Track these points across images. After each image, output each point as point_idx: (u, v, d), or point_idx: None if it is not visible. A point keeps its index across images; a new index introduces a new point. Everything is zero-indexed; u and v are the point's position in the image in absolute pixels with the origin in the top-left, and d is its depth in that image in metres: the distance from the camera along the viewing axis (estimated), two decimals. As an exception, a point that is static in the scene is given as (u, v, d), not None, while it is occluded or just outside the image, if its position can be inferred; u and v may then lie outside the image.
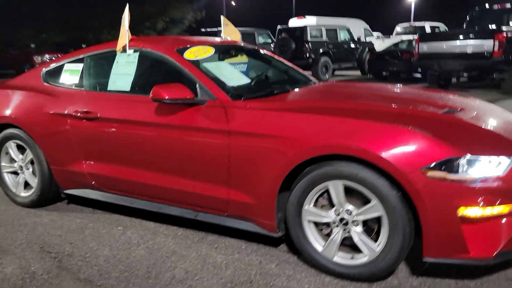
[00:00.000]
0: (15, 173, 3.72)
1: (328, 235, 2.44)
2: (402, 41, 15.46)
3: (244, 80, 3.14)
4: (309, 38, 15.51)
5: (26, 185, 3.66)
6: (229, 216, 2.75)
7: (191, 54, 3.04)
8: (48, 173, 3.45)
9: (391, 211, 2.17)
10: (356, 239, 2.33)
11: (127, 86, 3.09)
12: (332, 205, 2.39)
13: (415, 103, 2.73)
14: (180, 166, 2.82)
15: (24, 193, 3.65)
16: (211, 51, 3.17)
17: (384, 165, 2.12)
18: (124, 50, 3.19)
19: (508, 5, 10.95)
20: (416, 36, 11.59)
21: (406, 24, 21.25)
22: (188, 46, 3.14)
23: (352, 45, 17.23)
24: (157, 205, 3.05)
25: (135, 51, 3.15)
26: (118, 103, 3.07)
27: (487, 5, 11.54)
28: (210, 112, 2.67)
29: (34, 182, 3.56)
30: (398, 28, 21.03)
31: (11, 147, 3.61)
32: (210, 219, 2.83)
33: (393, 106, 2.64)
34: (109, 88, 3.19)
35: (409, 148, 2.12)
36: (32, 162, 3.55)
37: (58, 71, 3.53)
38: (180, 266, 2.63)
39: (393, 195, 2.15)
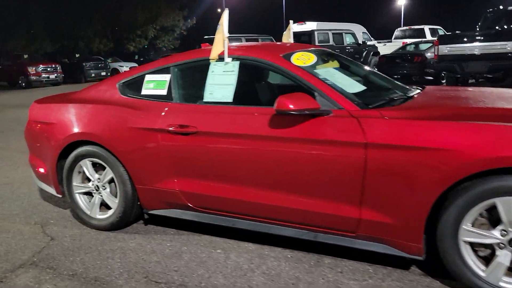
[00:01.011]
0: (88, 193, 3.44)
1: (486, 257, 2.23)
2: (409, 44, 15.47)
3: (359, 87, 2.91)
4: (317, 43, 15.40)
5: (101, 206, 3.39)
6: (358, 237, 2.52)
7: (298, 60, 2.83)
8: (132, 193, 3.18)
9: None
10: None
11: (228, 97, 2.85)
12: (493, 224, 2.18)
13: None
14: (300, 182, 2.58)
15: (100, 215, 3.37)
16: (313, 57, 2.95)
17: None
18: (220, 58, 2.95)
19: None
20: (433, 39, 11.54)
21: (405, 28, 21.34)
22: (291, 51, 2.92)
23: (357, 49, 17.21)
24: (265, 226, 2.80)
25: (234, 59, 2.91)
26: (221, 115, 2.82)
27: (501, 7, 11.54)
28: (340, 123, 2.44)
29: (114, 203, 3.28)
30: (397, 32, 21.10)
31: (86, 165, 3.33)
32: (334, 240, 2.59)
33: None
34: (205, 99, 2.94)
35: None
36: (110, 182, 3.28)
37: (138, 83, 3.27)
38: (315, 294, 2.39)
39: None
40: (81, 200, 3.46)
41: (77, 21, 27.06)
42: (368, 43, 19.80)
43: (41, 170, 3.61)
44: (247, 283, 2.53)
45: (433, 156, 2.19)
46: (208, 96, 2.93)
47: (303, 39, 15.99)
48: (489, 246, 2.21)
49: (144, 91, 3.21)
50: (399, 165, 2.28)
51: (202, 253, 2.93)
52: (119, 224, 3.31)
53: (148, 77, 3.24)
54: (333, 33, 16.14)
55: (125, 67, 24.01)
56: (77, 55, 29.25)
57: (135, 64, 24.74)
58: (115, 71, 23.68)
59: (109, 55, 27.51)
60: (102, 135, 3.17)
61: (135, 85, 3.29)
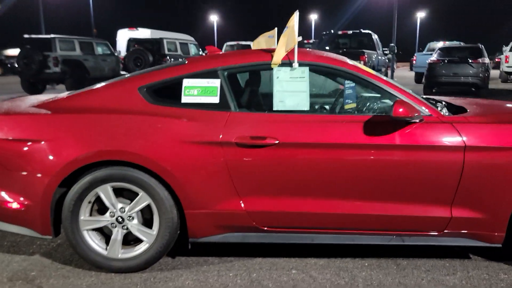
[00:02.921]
0: (98, 229, 2.71)
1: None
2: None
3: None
4: (166, 51, 15.06)
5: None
6: (444, 234, 2.69)
7: (363, 67, 2.84)
8: (177, 220, 2.64)
9: None
10: None
11: (304, 105, 2.67)
12: None
13: None
14: (391, 188, 2.61)
15: (125, 254, 2.68)
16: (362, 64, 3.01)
17: None
18: (283, 64, 2.73)
19: None
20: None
21: (233, 43, 22.53)
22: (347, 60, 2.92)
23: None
24: (347, 237, 2.72)
25: (301, 65, 2.73)
26: (303, 124, 2.61)
27: (332, 31, 13.48)
28: (438, 129, 2.58)
29: (149, 235, 2.66)
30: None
31: (106, 192, 2.61)
32: (422, 241, 2.70)
33: None
34: (276, 108, 2.67)
35: None
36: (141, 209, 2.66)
37: (170, 89, 2.75)
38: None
39: None
40: (91, 239, 2.69)
41: None
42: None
43: (13, 205, 2.66)
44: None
45: None
46: (278, 104, 2.68)
47: (147, 46, 15.46)
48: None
49: (185, 99, 2.71)
50: (492, 165, 2.55)
51: (281, 276, 2.65)
52: (154, 261, 2.71)
53: (187, 82, 2.74)
54: (180, 43, 16.02)
55: None
56: None
57: None
58: None
59: None
60: (142, 152, 2.55)
61: (167, 91, 2.75)
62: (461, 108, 3.02)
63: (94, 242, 2.69)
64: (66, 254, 2.94)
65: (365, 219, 2.66)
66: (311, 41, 21.20)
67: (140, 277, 2.65)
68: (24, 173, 2.61)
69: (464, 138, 2.54)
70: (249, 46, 20.91)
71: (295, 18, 2.70)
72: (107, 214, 2.66)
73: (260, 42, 3.82)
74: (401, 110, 2.43)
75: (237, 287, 2.53)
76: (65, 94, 3.01)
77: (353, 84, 2.77)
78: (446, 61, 13.17)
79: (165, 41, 15.12)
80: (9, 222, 2.73)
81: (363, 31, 13.59)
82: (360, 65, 2.86)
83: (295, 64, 2.72)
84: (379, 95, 2.77)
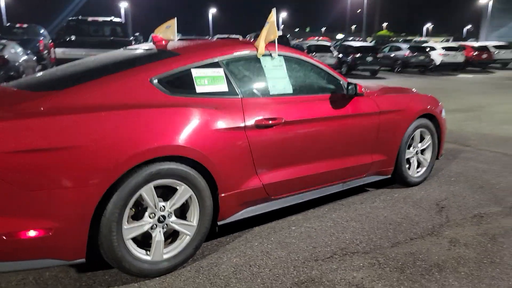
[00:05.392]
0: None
1: None
2: None
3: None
4: None
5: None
6: (367, 175, 3.82)
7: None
8: (211, 207, 2.74)
9: None
10: None
11: (289, 89, 3.20)
12: None
13: None
14: (344, 147, 3.51)
15: (171, 252, 2.59)
16: None
17: None
18: (267, 54, 3.16)
19: None
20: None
21: None
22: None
23: None
24: (321, 190, 3.47)
25: (279, 55, 3.23)
26: (294, 105, 3.15)
27: (80, 17, 12.78)
28: (367, 100, 3.62)
29: (191, 227, 2.65)
30: None
31: (150, 193, 2.44)
32: (356, 183, 3.74)
33: None
34: (272, 92, 3.09)
35: None
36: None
37: (182, 79, 2.74)
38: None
39: None
40: (133, 247, 2.45)
41: None
42: None
43: (31, 234, 2.14)
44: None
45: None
46: (272, 89, 3.11)
47: None
48: None
49: (200, 89, 2.77)
50: (389, 121, 3.79)
51: (291, 232, 3.15)
52: (195, 252, 2.72)
53: (196, 73, 2.79)
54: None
55: None
56: None
57: None
58: None
59: None
60: (187, 144, 2.53)
61: (180, 81, 2.73)
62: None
63: (136, 250, 2.47)
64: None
65: (331, 174, 3.47)
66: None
67: (189, 270, 2.62)
68: (50, 190, 2.13)
69: (379, 105, 3.70)
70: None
71: (273, 14, 3.17)
72: (146, 216, 2.49)
73: (160, 33, 3.93)
74: (360, 88, 3.34)
75: (273, 250, 2.89)
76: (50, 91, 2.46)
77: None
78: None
79: None
80: (19, 258, 2.15)
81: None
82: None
83: (275, 54, 3.20)
84: (325, 78, 3.56)
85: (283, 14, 77.89)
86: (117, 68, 2.74)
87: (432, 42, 36.15)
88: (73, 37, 11.21)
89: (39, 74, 3.16)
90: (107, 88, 2.50)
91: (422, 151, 4.26)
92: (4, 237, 2.06)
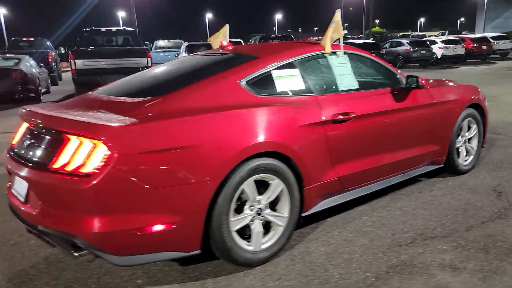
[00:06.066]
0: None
1: None
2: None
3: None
4: None
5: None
6: (424, 164, 3.98)
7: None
8: (299, 199, 2.89)
9: None
10: None
11: (355, 85, 3.36)
12: None
13: None
14: (407, 138, 3.67)
15: (268, 243, 2.75)
16: None
17: None
18: (333, 52, 3.32)
19: None
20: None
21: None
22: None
23: None
24: (386, 181, 3.62)
25: (345, 53, 3.39)
26: (362, 100, 3.31)
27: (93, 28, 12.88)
28: (423, 92, 3.78)
29: (283, 218, 2.80)
30: None
31: (251, 186, 2.60)
32: (415, 173, 3.89)
33: None
34: (340, 88, 3.25)
35: None
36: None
37: (263, 80, 2.90)
38: None
39: None
40: (237, 238, 2.60)
41: None
42: None
43: (156, 228, 2.29)
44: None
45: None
46: (341, 85, 3.26)
47: None
48: None
49: (280, 88, 2.93)
50: (433, 112, 3.96)
51: (366, 222, 3.30)
52: (287, 242, 2.87)
53: (275, 73, 2.96)
54: None
55: None
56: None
57: None
58: None
59: None
60: (283, 140, 2.71)
61: (263, 82, 2.89)
62: None
63: (241, 241, 2.62)
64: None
65: (394, 165, 3.62)
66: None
67: (284, 259, 2.77)
68: (175, 186, 2.29)
69: (434, 97, 3.86)
70: (239, 42, 19.32)
71: (338, 14, 3.33)
72: (246, 209, 2.64)
73: (217, 38, 4.11)
74: (421, 81, 3.50)
75: (355, 238, 3.04)
76: (146, 98, 2.61)
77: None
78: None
79: None
80: (146, 251, 2.31)
81: None
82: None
83: (340, 52, 3.36)
84: (384, 73, 3.72)
85: (278, 16, 78.44)
86: (205, 73, 2.91)
87: (428, 36, 36.54)
88: (92, 48, 11.33)
89: (121, 82, 3.31)
90: (204, 91, 2.65)
91: (469, 140, 4.42)
92: (137, 232, 2.21)
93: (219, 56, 3.38)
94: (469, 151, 4.43)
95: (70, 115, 2.46)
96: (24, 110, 2.76)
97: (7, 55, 14.19)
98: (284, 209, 2.82)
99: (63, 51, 27.12)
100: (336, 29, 3.31)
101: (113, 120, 2.26)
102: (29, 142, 2.58)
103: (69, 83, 19.72)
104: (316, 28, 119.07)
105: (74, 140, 2.24)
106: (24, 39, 18.98)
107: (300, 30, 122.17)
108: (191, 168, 2.32)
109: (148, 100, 2.54)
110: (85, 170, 2.15)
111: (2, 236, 3.25)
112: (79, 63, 10.25)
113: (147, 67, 11.01)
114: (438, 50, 23.21)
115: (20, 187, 2.53)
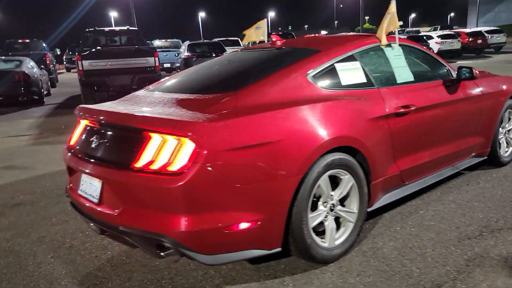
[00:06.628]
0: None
1: None
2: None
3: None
4: None
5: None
6: (471, 156, 3.95)
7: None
8: (367, 194, 2.84)
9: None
10: None
11: (411, 77, 3.31)
12: None
13: None
14: (459, 129, 3.64)
15: (340, 239, 2.69)
16: None
17: None
18: (388, 44, 3.27)
19: None
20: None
21: None
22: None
23: None
24: (439, 173, 3.58)
25: (400, 45, 3.35)
26: (420, 92, 3.26)
27: (96, 28, 12.69)
28: (471, 83, 3.76)
29: (354, 214, 2.75)
30: None
31: (326, 182, 2.54)
32: (463, 165, 3.86)
33: None
34: (399, 81, 3.20)
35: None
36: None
37: (327, 74, 2.83)
38: None
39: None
40: (314, 234, 2.54)
41: None
42: None
43: (242, 226, 2.22)
44: None
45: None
46: (398, 78, 3.21)
47: None
48: None
49: (345, 81, 2.87)
50: (487, 103, 3.93)
51: (425, 216, 3.26)
52: (357, 238, 2.82)
53: (339, 67, 2.89)
54: None
55: None
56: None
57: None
58: None
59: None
60: (356, 135, 2.66)
61: (327, 76, 2.82)
62: None
63: (317, 238, 2.56)
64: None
65: (447, 157, 3.58)
66: None
67: (356, 256, 2.71)
68: (260, 182, 2.22)
69: (481, 88, 3.83)
70: (237, 41, 20.35)
71: (393, 5, 3.28)
72: (320, 205, 2.58)
73: (251, 35, 4.05)
74: (475, 71, 3.47)
75: (420, 232, 3.00)
76: (213, 95, 2.54)
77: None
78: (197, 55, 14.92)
79: None
80: (230, 249, 2.24)
81: None
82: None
83: (395, 45, 3.31)
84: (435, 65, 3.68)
85: (271, 14, 78.38)
86: (270, 68, 2.83)
87: (421, 31, 36.75)
88: (99, 48, 11.15)
89: (174, 79, 3.23)
90: (275, 86, 2.58)
91: (508, 131, 4.40)
92: (226, 230, 2.14)
93: (276, 50, 3.31)
94: (509, 143, 4.41)
95: (146, 112, 2.38)
96: (82, 108, 2.68)
97: (8, 57, 13.96)
98: (353, 204, 2.76)
99: (58, 53, 26.81)
100: (391, 20, 3.26)
101: (197, 117, 2.19)
102: (96, 141, 2.49)
103: (66, 85, 19.64)
104: (306, 26, 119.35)
105: (156, 138, 2.16)
106: (20, 41, 18.68)
107: (289, 28, 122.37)
108: (275, 164, 2.25)
109: (222, 96, 2.46)
110: (173, 168, 2.08)
111: (56, 240, 3.16)
112: (86, 64, 10.07)
113: (155, 67, 10.88)
114: (434, 45, 23.34)
115: (91, 188, 2.44)
